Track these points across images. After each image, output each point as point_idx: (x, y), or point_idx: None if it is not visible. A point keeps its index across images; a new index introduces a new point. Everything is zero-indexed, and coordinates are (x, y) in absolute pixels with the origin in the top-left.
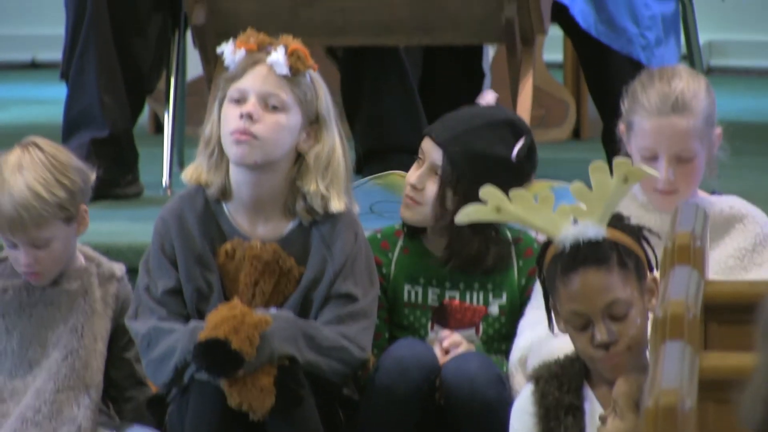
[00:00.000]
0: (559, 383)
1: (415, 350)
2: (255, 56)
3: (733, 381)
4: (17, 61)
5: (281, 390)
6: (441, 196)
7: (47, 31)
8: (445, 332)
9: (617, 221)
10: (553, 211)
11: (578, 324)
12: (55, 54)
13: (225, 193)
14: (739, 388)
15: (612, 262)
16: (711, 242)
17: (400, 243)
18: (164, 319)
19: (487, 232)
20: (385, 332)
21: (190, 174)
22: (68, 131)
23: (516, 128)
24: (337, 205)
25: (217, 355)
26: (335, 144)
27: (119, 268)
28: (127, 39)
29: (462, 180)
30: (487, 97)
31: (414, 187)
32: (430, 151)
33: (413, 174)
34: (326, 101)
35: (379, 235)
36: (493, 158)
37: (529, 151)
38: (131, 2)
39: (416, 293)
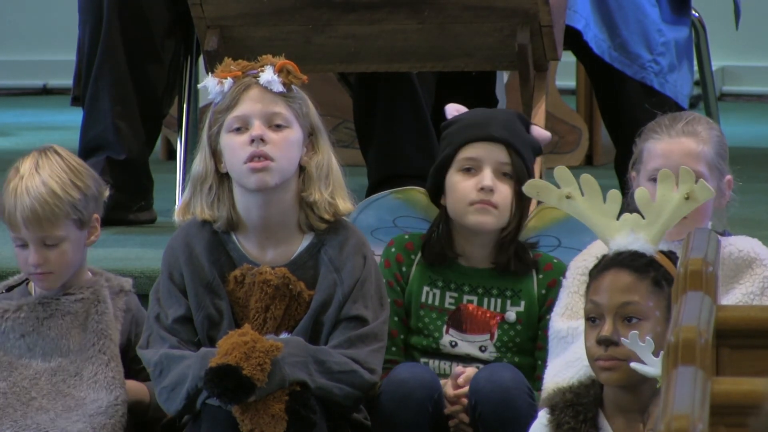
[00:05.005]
0: (574, 412)
1: (415, 372)
2: (244, 81)
3: (744, 406)
4: (29, 86)
5: (293, 416)
6: (519, 193)
7: (59, 57)
8: (459, 368)
9: (672, 254)
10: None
11: (591, 316)
12: (67, 80)
13: (233, 224)
14: (750, 413)
15: (647, 275)
16: (721, 286)
17: None
18: (175, 347)
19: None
20: (402, 356)
21: (182, 213)
22: (84, 157)
23: (522, 118)
24: (344, 206)
25: (228, 382)
26: (330, 152)
27: (127, 282)
28: (142, 65)
29: (528, 170)
30: (454, 107)
31: (489, 190)
32: (489, 153)
33: (473, 183)
34: (315, 111)
35: (406, 236)
36: (533, 146)
37: None
38: (145, 29)
39: (434, 295)
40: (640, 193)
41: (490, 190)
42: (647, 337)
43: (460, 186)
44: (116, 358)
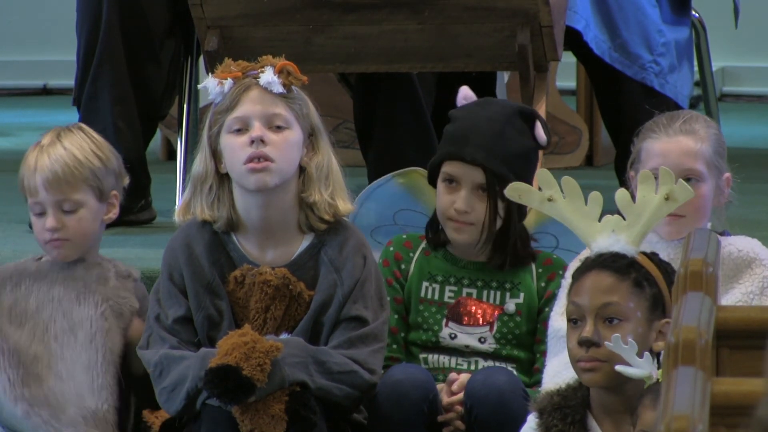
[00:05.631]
0: (562, 415)
1: (409, 372)
2: (244, 82)
3: (744, 407)
4: (29, 86)
5: (293, 416)
6: (493, 210)
7: (59, 57)
8: (453, 375)
9: (654, 255)
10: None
11: (573, 317)
12: (67, 80)
13: (233, 225)
14: (750, 413)
15: (627, 276)
16: (720, 286)
17: (422, 245)
18: (175, 348)
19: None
20: (402, 354)
21: (182, 213)
22: None
23: (525, 114)
24: (344, 207)
25: (228, 382)
26: (330, 152)
27: (135, 271)
28: (141, 65)
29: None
30: (463, 93)
31: (463, 212)
32: (466, 173)
33: (452, 199)
34: (315, 112)
35: (404, 236)
36: (526, 152)
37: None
38: (144, 28)
39: (433, 290)
40: (620, 195)
41: (464, 212)
42: (630, 339)
43: (442, 198)
44: (107, 346)
